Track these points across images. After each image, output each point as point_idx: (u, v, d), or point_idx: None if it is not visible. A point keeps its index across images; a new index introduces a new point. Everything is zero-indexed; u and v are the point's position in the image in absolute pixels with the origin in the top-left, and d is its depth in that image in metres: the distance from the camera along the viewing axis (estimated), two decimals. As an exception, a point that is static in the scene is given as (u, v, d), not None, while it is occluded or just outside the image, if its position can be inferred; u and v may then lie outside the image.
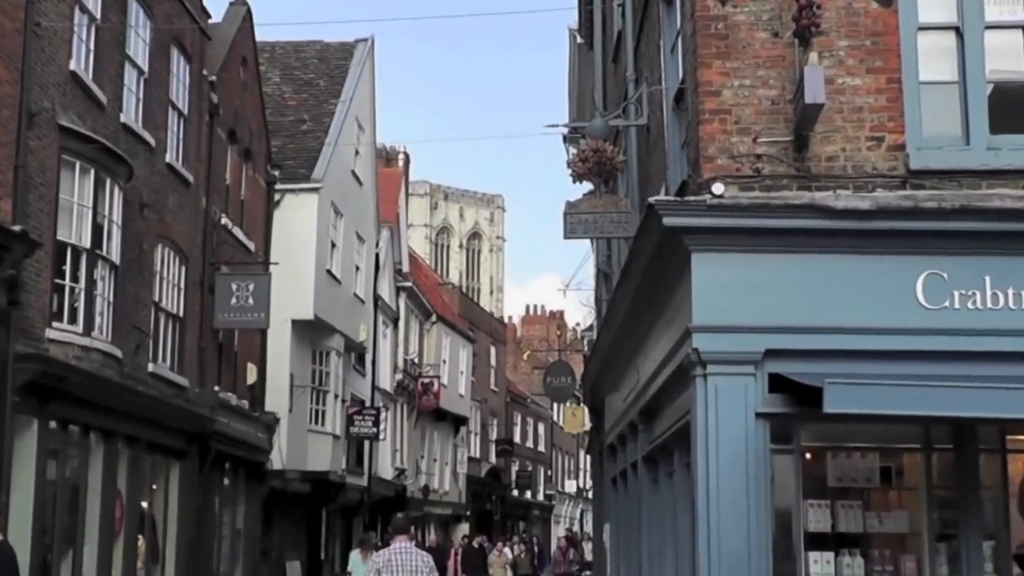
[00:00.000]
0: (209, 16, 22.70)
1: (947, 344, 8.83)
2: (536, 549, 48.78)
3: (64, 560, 16.14)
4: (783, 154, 9.24)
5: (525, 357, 65.76)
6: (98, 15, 17.35)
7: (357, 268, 33.11)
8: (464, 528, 48.23)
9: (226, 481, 23.26)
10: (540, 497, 67.90)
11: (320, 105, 31.84)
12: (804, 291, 9.01)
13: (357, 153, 32.96)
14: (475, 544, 34.99)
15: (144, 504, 19.22)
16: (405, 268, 42.32)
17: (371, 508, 35.77)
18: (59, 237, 16.02)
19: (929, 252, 8.97)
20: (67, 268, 16.28)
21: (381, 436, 34.41)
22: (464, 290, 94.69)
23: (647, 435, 13.40)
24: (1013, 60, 9.37)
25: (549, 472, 70.59)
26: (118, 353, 17.33)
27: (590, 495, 44.19)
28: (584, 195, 12.13)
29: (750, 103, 9.33)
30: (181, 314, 20.84)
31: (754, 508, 8.88)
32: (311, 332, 28.77)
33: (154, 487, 19.86)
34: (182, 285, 20.95)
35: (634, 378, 13.65)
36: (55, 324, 15.83)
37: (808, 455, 9.41)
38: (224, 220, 22.91)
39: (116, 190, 17.31)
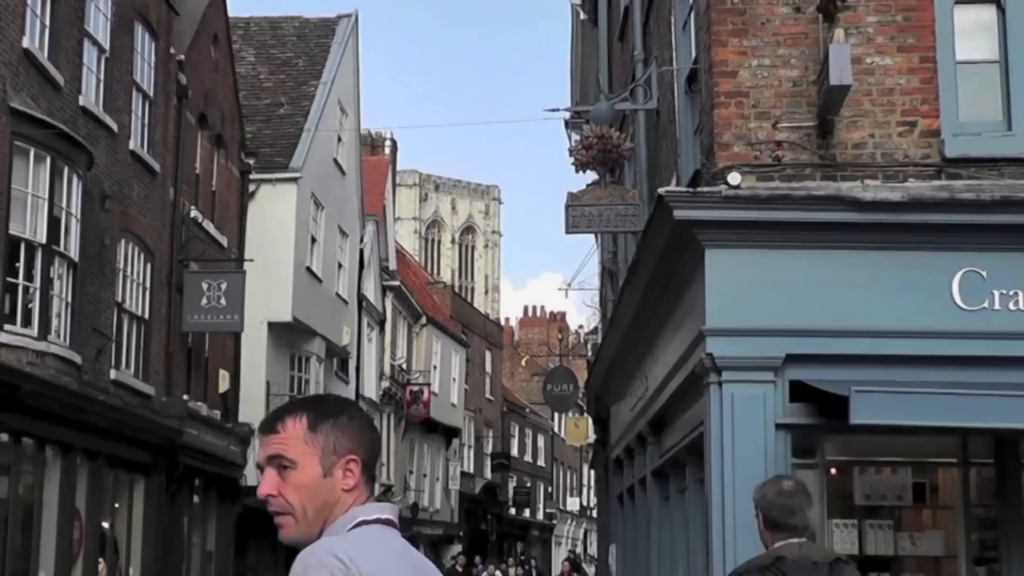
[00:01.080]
0: (177, -11, 22.68)
1: (986, 348, 8.81)
2: (535, 574, 48.75)
3: (18, 585, 16.10)
4: (806, 140, 9.21)
5: (523, 363, 65.79)
6: (55, -12, 17.30)
7: (340, 265, 33.09)
8: (456, 550, 48.20)
9: (196, 499, 23.23)
10: (540, 516, 67.93)
11: (299, 87, 31.81)
12: (829, 290, 8.99)
13: (340, 140, 32.94)
14: (458, 567, 34.75)
15: (105, 524, 19.19)
16: (392, 265, 42.31)
17: (355, 528, 35.73)
18: (12, 231, 15.97)
19: (966, 248, 8.95)
20: (20, 265, 16.24)
21: (366, 449, 34.39)
22: (457, 290, 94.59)
23: (657, 448, 13.38)
24: (1058, 37, 9.34)
25: (550, 489, 70.60)
26: (77, 359, 17.28)
27: (594, 514, 44.19)
28: (588, 186, 12.09)
29: (769, 85, 9.30)
30: (146, 316, 20.81)
31: (774, 529, 8.85)
32: (289, 335, 28.74)
33: (116, 506, 19.83)
34: (147, 284, 20.92)
35: (642, 386, 13.63)
36: (7, 327, 15.79)
37: (833, 470, 9.39)
38: (194, 213, 22.88)
39: (75, 180, 17.26)
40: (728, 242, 9.08)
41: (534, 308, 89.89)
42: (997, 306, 8.92)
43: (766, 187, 9.06)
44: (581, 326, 63.63)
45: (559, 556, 64.34)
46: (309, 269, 29.50)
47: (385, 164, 44.08)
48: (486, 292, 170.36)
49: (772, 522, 5.28)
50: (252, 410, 26.45)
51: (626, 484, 16.65)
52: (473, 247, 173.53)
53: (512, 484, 61.72)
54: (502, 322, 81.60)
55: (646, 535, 14.25)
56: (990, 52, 9.31)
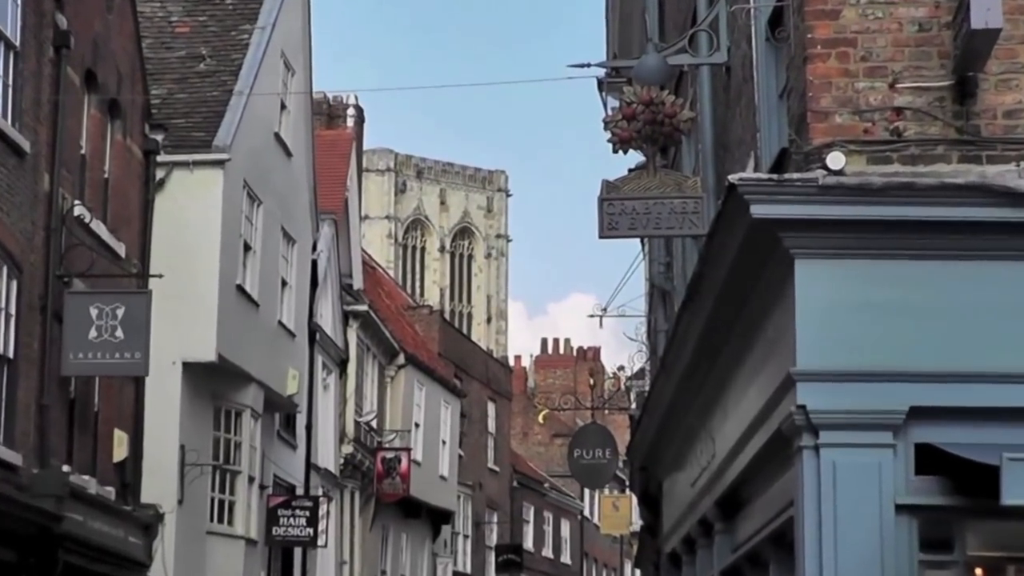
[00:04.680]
0: (56, -102, 22.71)
1: None
2: None
3: None
4: (936, 107, 9.20)
5: (541, 419, 65.70)
6: None
7: (284, 283, 33.07)
8: None
9: (81, 611, 23.19)
10: (565, 634, 67.87)
11: (226, 33, 31.81)
12: (970, 318, 8.97)
13: (284, 107, 32.94)
14: None
15: (-46, 647, 19.15)
16: (357, 284, 42.27)
17: (305, 652, 35.60)
18: None
19: None
20: None
21: (320, 541, 34.30)
22: (448, 317, 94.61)
23: (728, 539, 13.36)
24: None
25: (578, 596, 70.46)
26: (-85, 414, 17.25)
27: (641, 631, 44.05)
28: (631, 171, 12.09)
29: (885, 29, 9.30)
30: (11, 354, 20.80)
31: (894, 653, 8.83)
32: (213, 382, 28.70)
33: (-30, 621, 19.79)
34: (12, 310, 20.91)
35: (707, 451, 13.61)
36: None
37: (979, 571, 9.35)
38: (78, 210, 22.87)
39: (-88, 164, 17.27)
40: (827, 250, 9.06)
41: (556, 342, 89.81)
42: None
43: (880, 172, 9.04)
44: (621, 367, 63.40)
45: None
46: (241, 288, 29.47)
47: (347, 141, 44.08)
48: (489, 320, 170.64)
49: None
50: (160, 486, 26.38)
51: (685, 590, 16.62)
52: (471, 257, 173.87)
53: (525, 589, 61.59)
54: (511, 362, 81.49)
55: (714, 662, 14.22)
56: None
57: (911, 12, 9.30)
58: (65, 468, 22.03)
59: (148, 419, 26.05)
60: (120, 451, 24.80)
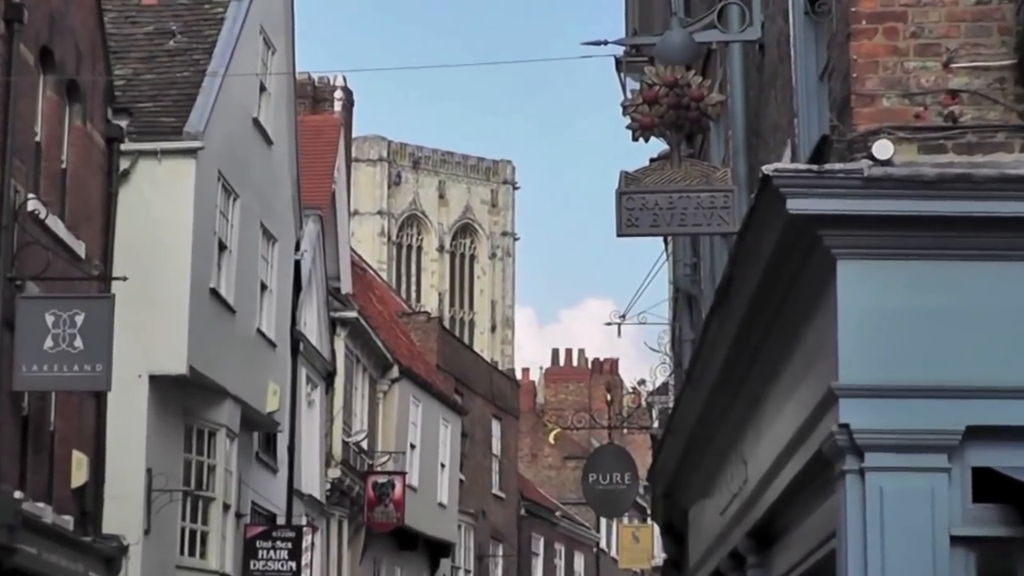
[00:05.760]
0: None
1: None
2: None
3: None
4: (996, 90, 9.19)
5: (552, 439, 65.77)
6: None
7: (264, 287, 33.06)
8: None
9: (36, 654, 23.20)
10: None
11: (199, 7, 31.82)
12: (1034, 326, 8.96)
13: (263, 89, 32.93)
14: None
15: None
16: (346, 288, 42.26)
17: None
18: None
19: None
20: None
21: (304, 576, 34.32)
22: (447, 324, 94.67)
23: (762, 574, 13.35)
24: None
25: (594, 638, 70.47)
26: None
27: (664, 678, 44.05)
28: (653, 162, 12.10)
29: (939, 2, 9.30)
30: (-42, 366, 20.81)
31: None
32: (184, 397, 28.70)
33: (-89, 665, 19.79)
34: (-40, 316, 20.93)
35: (739, 476, 13.61)
36: None
37: (1045, 610, 9.35)
38: (32, 204, 22.87)
39: None
40: (873, 249, 9.06)
41: (568, 353, 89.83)
42: None
43: (933, 163, 9.03)
44: (642, 381, 63.37)
45: None
46: (215, 292, 29.47)
47: (335, 127, 44.08)
48: (493, 328, 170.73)
49: None
50: (124, 514, 26.36)
51: (714, 631, 16.62)
52: (473, 257, 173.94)
53: (534, 631, 61.63)
54: (518, 375, 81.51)
55: None
56: None
57: (968, -18, 9.32)
58: (17, 494, 22.02)
59: (111, 439, 26.03)
60: (79, 475, 24.77)
